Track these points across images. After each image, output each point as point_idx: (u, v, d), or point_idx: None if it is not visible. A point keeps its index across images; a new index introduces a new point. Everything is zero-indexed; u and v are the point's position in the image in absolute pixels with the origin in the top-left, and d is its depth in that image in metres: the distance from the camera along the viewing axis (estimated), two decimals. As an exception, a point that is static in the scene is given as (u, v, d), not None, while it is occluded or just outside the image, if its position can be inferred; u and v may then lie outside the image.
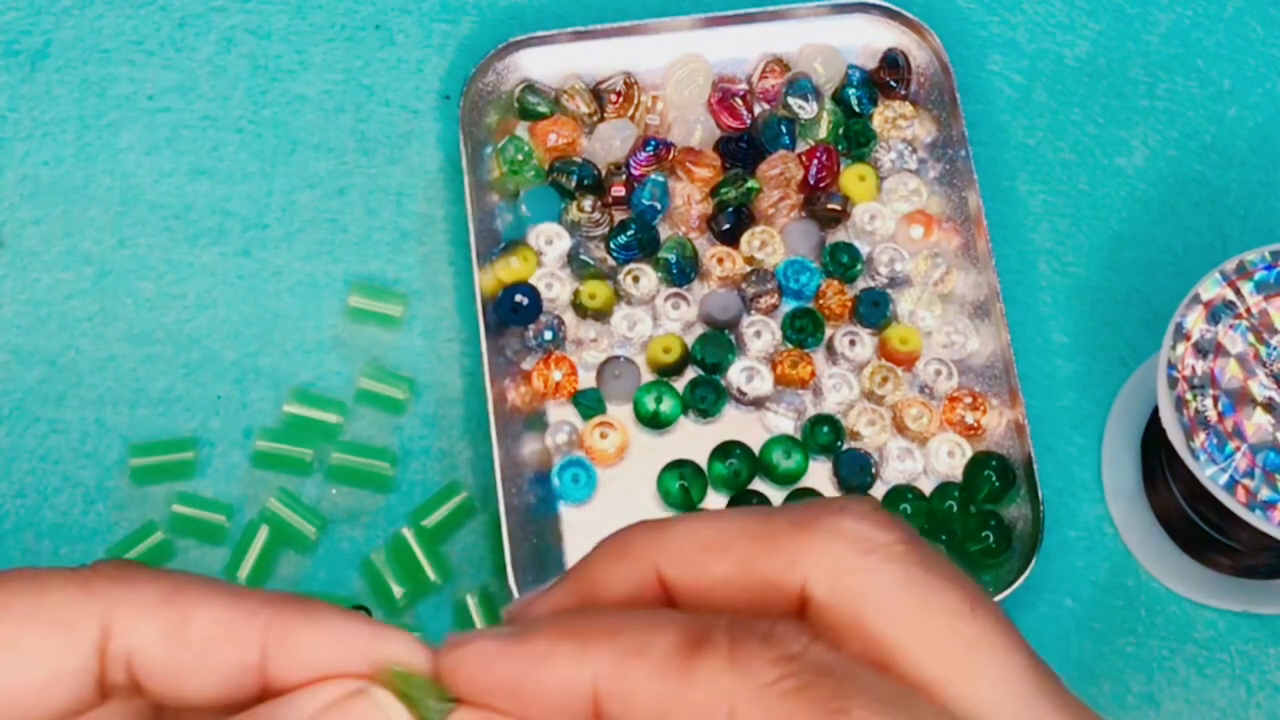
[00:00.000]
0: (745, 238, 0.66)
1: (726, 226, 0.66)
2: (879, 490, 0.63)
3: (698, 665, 0.33)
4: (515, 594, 0.60)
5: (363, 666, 0.35)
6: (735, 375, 0.64)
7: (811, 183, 0.67)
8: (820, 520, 0.35)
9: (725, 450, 0.63)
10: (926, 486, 0.63)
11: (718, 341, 0.65)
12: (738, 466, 0.63)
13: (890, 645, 0.34)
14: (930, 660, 0.34)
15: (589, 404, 0.64)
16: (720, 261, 0.66)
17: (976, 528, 0.62)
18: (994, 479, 0.63)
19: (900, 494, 0.63)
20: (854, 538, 0.34)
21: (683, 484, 0.63)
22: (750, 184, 0.66)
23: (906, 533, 0.35)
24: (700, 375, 0.65)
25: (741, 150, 0.67)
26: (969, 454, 0.64)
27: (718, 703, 0.32)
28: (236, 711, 0.35)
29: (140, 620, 0.35)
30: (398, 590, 0.62)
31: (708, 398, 0.64)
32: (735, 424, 0.64)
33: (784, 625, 0.33)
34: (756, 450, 0.63)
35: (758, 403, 0.64)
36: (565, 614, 0.36)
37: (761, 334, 0.65)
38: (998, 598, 0.61)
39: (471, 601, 0.62)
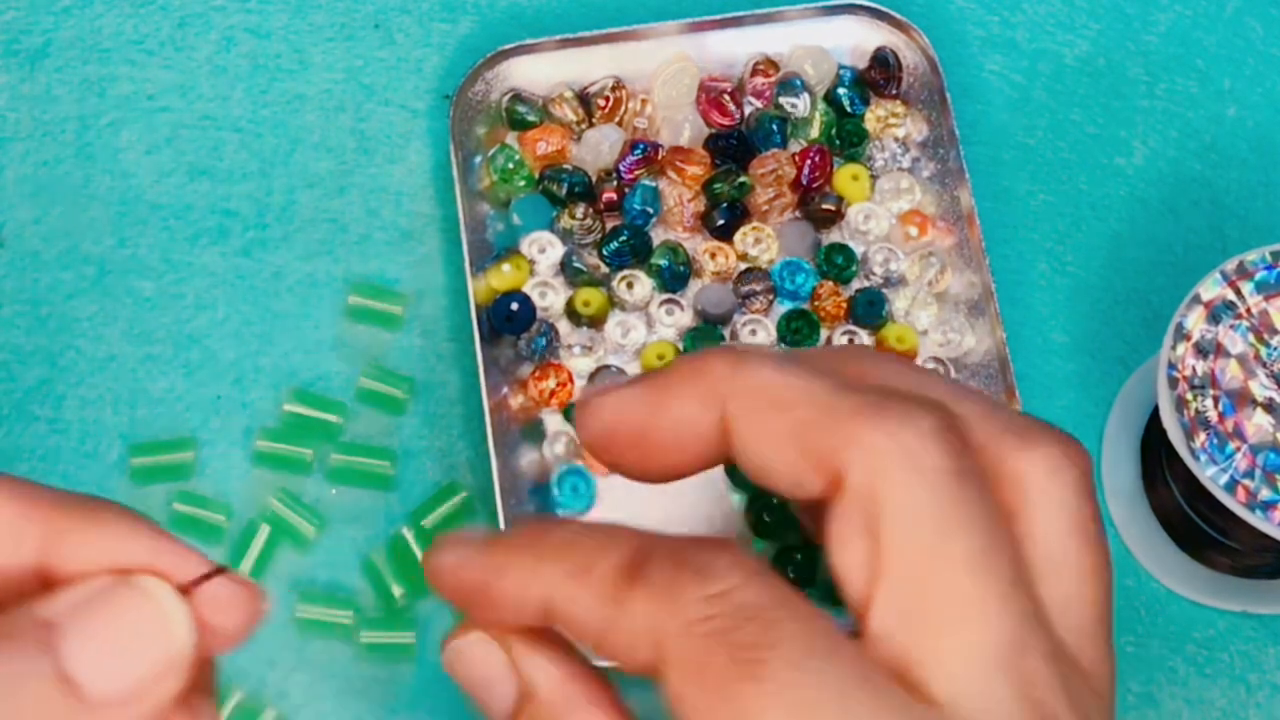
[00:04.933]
0: (739, 234, 0.66)
1: (721, 223, 0.66)
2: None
3: (633, 593, 0.33)
4: None
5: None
6: (734, 374, 0.64)
7: (805, 183, 0.66)
8: (884, 419, 0.34)
9: None
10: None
11: (710, 336, 0.65)
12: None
13: (884, 569, 0.33)
14: (910, 606, 0.33)
15: None
16: (714, 256, 0.66)
17: None
18: None
19: None
20: (907, 450, 0.34)
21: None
22: (742, 179, 0.66)
23: (958, 465, 0.34)
24: None
25: (731, 147, 0.67)
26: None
27: (645, 635, 0.33)
28: None
29: None
30: (398, 590, 0.62)
31: (704, 391, 0.64)
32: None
33: (723, 558, 0.33)
34: None
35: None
36: (531, 523, 0.35)
37: (757, 332, 0.65)
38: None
39: (471, 600, 0.62)
